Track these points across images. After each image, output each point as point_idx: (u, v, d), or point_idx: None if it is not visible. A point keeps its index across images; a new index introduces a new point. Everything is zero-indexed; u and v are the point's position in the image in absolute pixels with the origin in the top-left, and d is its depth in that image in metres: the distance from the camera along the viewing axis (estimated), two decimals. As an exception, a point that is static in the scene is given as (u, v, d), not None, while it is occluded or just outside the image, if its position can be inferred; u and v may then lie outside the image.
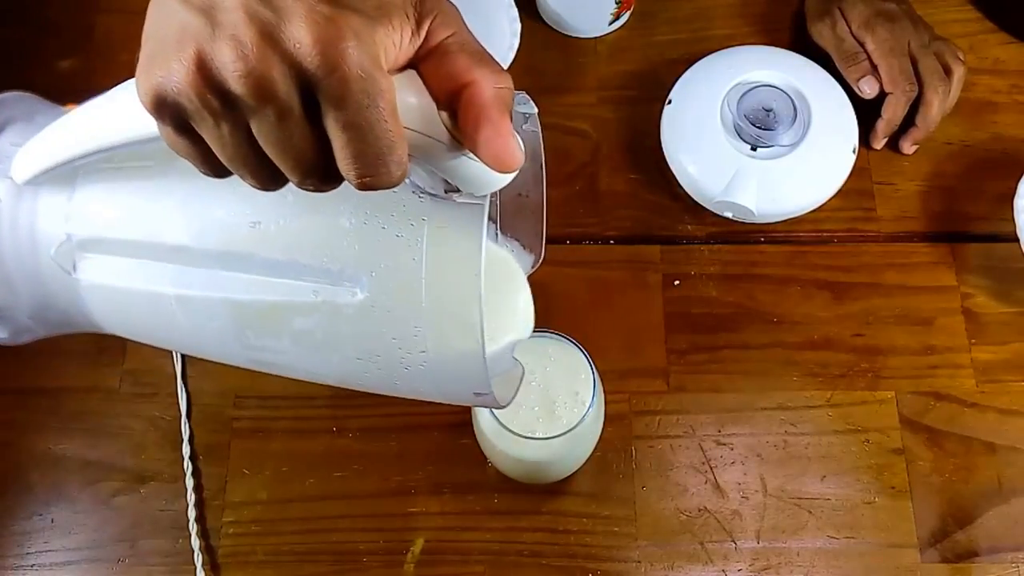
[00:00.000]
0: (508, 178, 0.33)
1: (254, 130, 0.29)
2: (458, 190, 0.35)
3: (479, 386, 0.38)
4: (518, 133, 0.32)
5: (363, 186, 0.30)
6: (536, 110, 0.42)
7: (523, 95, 0.39)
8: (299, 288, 0.39)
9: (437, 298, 0.37)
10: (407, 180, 0.34)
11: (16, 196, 0.43)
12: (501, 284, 0.49)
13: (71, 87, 0.74)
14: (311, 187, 0.31)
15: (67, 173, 0.42)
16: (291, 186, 0.32)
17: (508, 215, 0.49)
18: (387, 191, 0.31)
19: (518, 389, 0.45)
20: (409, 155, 0.31)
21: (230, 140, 0.30)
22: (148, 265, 0.42)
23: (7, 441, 0.64)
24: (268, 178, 0.32)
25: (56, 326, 0.49)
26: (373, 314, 0.38)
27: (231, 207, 0.40)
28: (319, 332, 0.40)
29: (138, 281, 0.43)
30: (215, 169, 0.32)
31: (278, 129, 0.29)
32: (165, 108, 0.29)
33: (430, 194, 0.36)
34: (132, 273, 0.43)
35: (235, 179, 0.32)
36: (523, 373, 0.46)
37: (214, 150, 0.31)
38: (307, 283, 0.39)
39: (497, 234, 0.49)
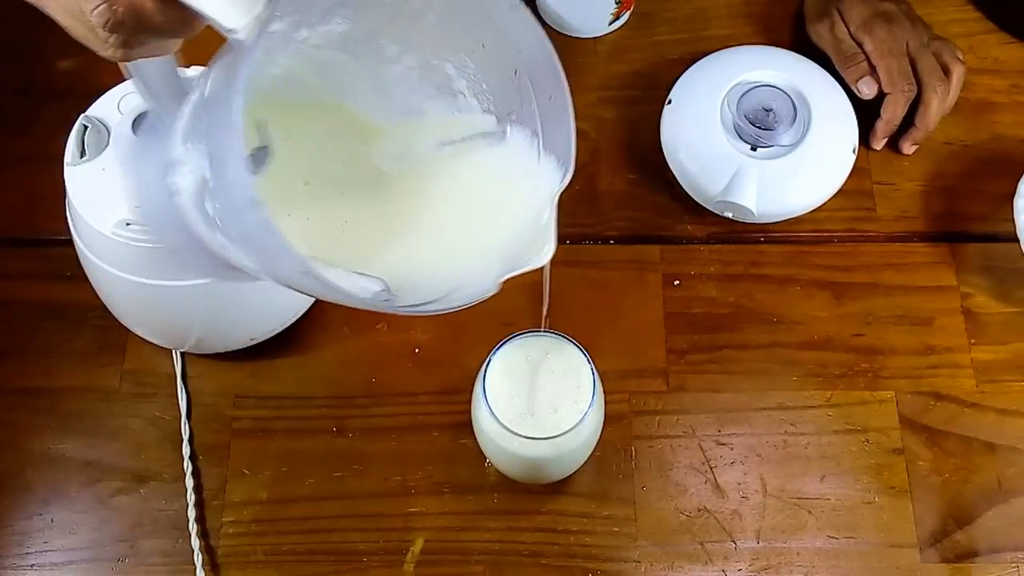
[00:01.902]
0: None
1: None
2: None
3: (289, 261, 0.34)
4: (504, 20, 0.29)
5: (111, 26, 0.34)
6: None
7: None
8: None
9: (216, 155, 0.34)
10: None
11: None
12: (511, 196, 0.45)
13: (71, 87, 0.74)
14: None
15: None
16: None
17: (550, 130, 0.44)
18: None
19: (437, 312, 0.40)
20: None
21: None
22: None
23: (7, 441, 0.64)
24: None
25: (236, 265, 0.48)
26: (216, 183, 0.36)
27: None
28: (210, 209, 0.37)
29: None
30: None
31: None
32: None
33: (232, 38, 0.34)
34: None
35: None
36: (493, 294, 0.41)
37: None
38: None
39: (540, 152, 0.44)
